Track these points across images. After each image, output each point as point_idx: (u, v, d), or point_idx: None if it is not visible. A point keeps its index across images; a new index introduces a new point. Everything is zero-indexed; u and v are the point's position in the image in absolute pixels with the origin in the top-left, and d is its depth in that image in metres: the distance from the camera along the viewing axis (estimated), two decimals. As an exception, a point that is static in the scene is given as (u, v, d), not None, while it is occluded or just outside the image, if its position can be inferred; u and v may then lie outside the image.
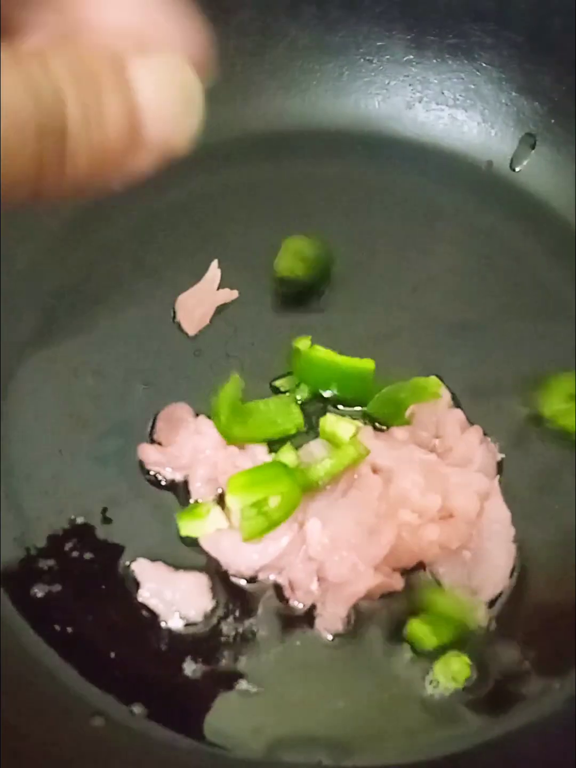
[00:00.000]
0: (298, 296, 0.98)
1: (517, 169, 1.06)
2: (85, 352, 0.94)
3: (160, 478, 0.87)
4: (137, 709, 0.77)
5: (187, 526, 0.83)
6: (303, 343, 0.89)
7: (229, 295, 0.98)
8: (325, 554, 0.78)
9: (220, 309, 0.97)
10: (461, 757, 0.76)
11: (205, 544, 0.82)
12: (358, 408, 0.90)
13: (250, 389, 0.89)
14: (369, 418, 0.89)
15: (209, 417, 0.88)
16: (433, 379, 0.87)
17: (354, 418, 0.88)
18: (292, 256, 0.97)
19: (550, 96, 1.03)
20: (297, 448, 0.86)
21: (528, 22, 1.00)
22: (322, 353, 0.88)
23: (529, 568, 0.82)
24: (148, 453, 0.88)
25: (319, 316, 0.97)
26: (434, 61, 1.07)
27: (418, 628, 0.78)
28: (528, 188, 1.05)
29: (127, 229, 1.02)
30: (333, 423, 0.87)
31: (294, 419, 0.87)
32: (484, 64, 1.05)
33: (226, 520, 0.83)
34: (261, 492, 0.80)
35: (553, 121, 1.04)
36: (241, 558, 0.81)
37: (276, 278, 0.97)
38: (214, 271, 0.99)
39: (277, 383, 0.92)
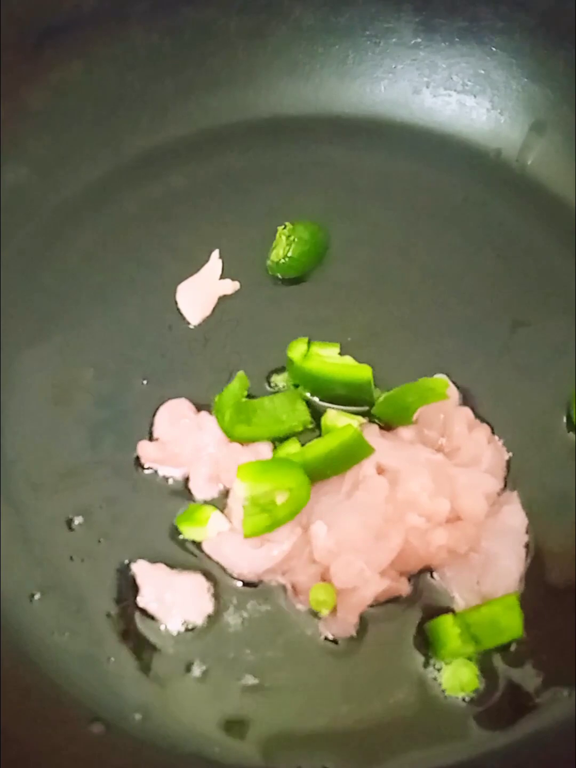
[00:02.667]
0: (296, 283, 0.95)
1: (526, 158, 1.03)
2: (83, 345, 0.92)
3: (159, 475, 0.85)
4: (137, 715, 0.75)
5: (188, 531, 0.81)
6: (297, 351, 0.87)
7: (231, 286, 0.95)
8: (330, 558, 0.77)
9: (221, 300, 0.95)
10: (468, 764, 0.75)
11: (207, 547, 0.80)
12: (363, 408, 0.87)
13: (251, 382, 0.87)
14: (375, 418, 0.87)
15: (211, 413, 0.86)
16: (441, 379, 0.85)
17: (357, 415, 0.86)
18: (286, 243, 0.95)
19: (562, 83, 1.01)
20: (302, 445, 0.83)
21: (542, 5, 0.98)
22: (316, 363, 0.85)
23: (539, 573, 0.80)
24: (147, 450, 0.85)
25: (319, 306, 0.94)
26: (443, 44, 1.04)
27: (448, 629, 0.76)
28: (538, 177, 1.03)
29: (125, 218, 1.00)
30: (334, 419, 0.85)
31: (300, 416, 0.84)
32: (494, 49, 1.03)
33: (227, 523, 0.81)
34: (270, 483, 0.77)
35: (564, 108, 1.01)
36: (245, 561, 0.79)
37: (271, 265, 0.95)
38: (215, 262, 0.96)
39: (274, 379, 0.89)
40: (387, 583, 0.77)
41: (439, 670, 0.77)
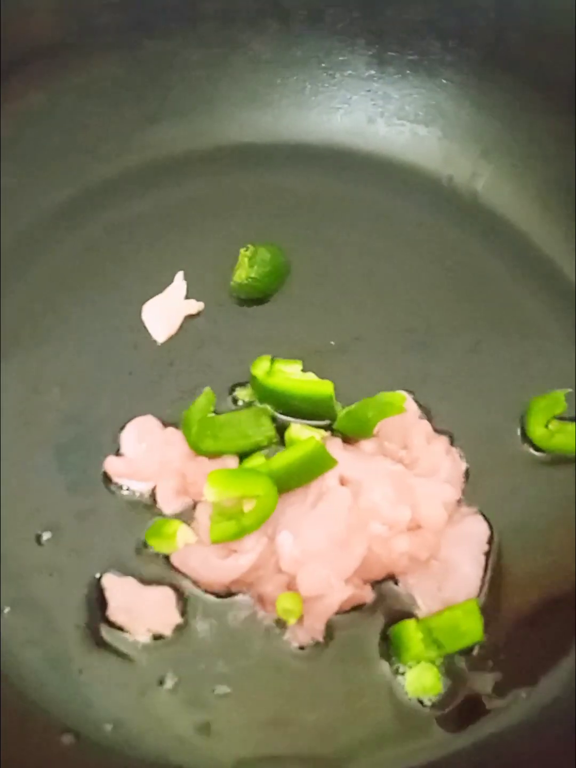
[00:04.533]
0: (259, 303, 0.98)
1: (477, 184, 1.07)
2: (49, 365, 0.93)
3: (127, 490, 0.86)
4: (108, 725, 0.76)
5: (157, 544, 0.83)
6: (260, 368, 0.89)
7: (196, 306, 0.98)
8: (297, 567, 0.79)
9: (186, 319, 0.97)
10: (433, 766, 0.76)
11: (175, 560, 0.82)
12: (326, 421, 0.90)
13: (216, 399, 0.88)
14: (337, 432, 0.89)
15: (177, 428, 0.88)
16: (399, 393, 0.87)
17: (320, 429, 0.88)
18: (249, 265, 0.97)
19: (506, 113, 1.05)
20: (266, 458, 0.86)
21: (486, 39, 1.02)
22: (279, 380, 0.88)
23: (498, 579, 0.83)
24: (114, 465, 0.87)
25: (281, 325, 0.97)
26: (396, 76, 1.08)
27: (411, 633, 0.78)
28: (488, 203, 1.07)
29: (90, 241, 1.02)
30: (298, 432, 0.88)
31: (265, 432, 0.87)
32: (444, 81, 1.07)
33: (194, 535, 0.82)
34: (239, 490, 0.79)
35: (509, 136, 1.06)
36: (212, 573, 0.80)
37: (234, 286, 0.98)
38: (179, 283, 0.99)
39: (238, 394, 0.92)
40: (352, 590, 0.79)
41: (403, 674, 0.79)
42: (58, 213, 1.02)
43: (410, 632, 0.79)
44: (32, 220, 1.01)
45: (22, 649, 0.79)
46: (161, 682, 0.78)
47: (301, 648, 0.80)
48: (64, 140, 1.04)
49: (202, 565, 0.80)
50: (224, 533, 0.79)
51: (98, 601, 0.81)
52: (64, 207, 1.03)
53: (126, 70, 1.05)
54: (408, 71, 1.08)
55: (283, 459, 0.82)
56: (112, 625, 0.80)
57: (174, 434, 0.87)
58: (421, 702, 0.78)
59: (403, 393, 0.88)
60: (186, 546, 0.81)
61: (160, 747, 0.76)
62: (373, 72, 1.09)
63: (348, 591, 0.78)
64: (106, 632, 0.80)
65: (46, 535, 0.84)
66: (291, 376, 0.89)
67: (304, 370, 0.91)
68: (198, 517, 0.84)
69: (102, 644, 0.79)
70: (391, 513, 0.80)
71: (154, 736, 0.76)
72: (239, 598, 0.82)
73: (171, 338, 0.96)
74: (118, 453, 0.88)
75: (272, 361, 0.90)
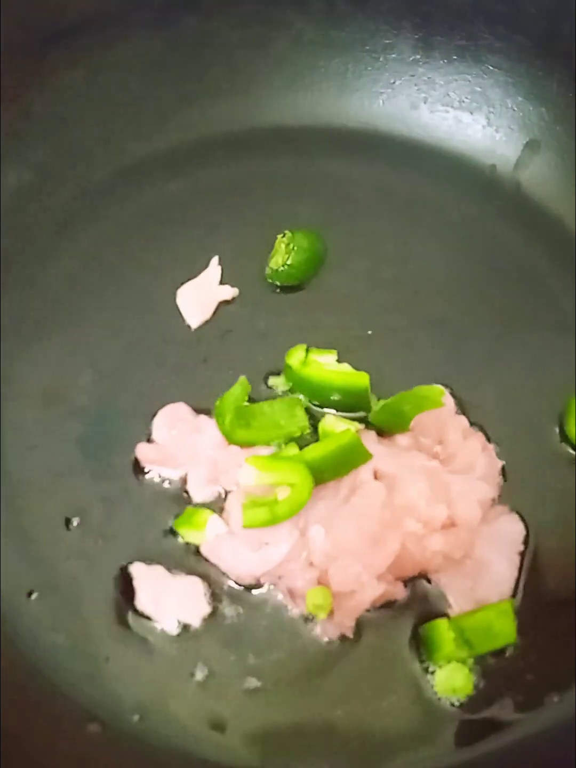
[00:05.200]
0: (294, 290, 0.97)
1: (520, 175, 1.05)
2: (81, 347, 0.92)
3: (157, 478, 0.85)
4: (135, 716, 0.75)
5: (186, 534, 0.82)
6: (295, 357, 0.88)
7: (230, 291, 0.96)
8: (328, 562, 0.77)
9: (220, 305, 0.96)
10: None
11: (205, 550, 0.81)
12: (360, 414, 0.88)
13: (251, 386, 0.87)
14: (372, 425, 0.88)
15: (209, 415, 0.87)
16: (437, 387, 0.86)
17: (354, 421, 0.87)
18: (285, 251, 0.96)
19: (556, 103, 1.03)
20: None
21: (539, 27, 1.00)
22: (314, 370, 0.86)
23: (533, 581, 0.81)
24: (145, 452, 0.86)
25: (316, 313, 0.96)
26: (441, 61, 1.06)
27: (442, 632, 0.77)
28: (530, 194, 1.04)
29: (125, 222, 1.00)
30: (332, 424, 0.86)
31: (298, 422, 0.85)
32: (491, 67, 1.05)
33: (225, 525, 0.81)
34: (275, 475, 0.78)
35: (558, 128, 1.03)
36: (242, 565, 0.79)
37: (270, 272, 0.96)
38: (214, 268, 0.97)
39: (271, 382, 0.90)
40: (384, 587, 0.78)
41: (432, 673, 0.78)
42: (93, 192, 1.01)
43: (442, 631, 0.77)
44: (68, 200, 1.00)
45: (48, 635, 0.78)
46: (191, 675, 0.77)
47: (330, 642, 0.79)
48: (100, 119, 1.03)
49: (232, 556, 0.79)
50: (256, 519, 0.78)
51: (126, 589, 0.80)
52: (99, 186, 1.01)
53: (165, 47, 1.04)
54: (454, 56, 1.05)
55: (317, 450, 0.81)
56: (139, 614, 0.79)
57: (206, 422, 0.86)
58: (450, 703, 0.77)
59: (441, 387, 0.86)
60: (217, 536, 0.80)
61: (187, 739, 0.75)
62: (418, 56, 1.06)
63: (380, 588, 0.77)
64: (133, 621, 0.79)
65: (75, 521, 0.83)
66: (326, 366, 0.87)
67: (338, 361, 0.89)
68: (228, 507, 0.82)
69: (129, 633, 0.79)
70: (427, 511, 0.79)
71: (180, 729, 0.75)
72: (268, 589, 0.80)
73: (204, 323, 0.95)
74: (149, 439, 0.87)
75: (307, 350, 0.89)
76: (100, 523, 0.83)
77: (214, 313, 0.95)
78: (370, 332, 0.94)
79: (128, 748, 0.74)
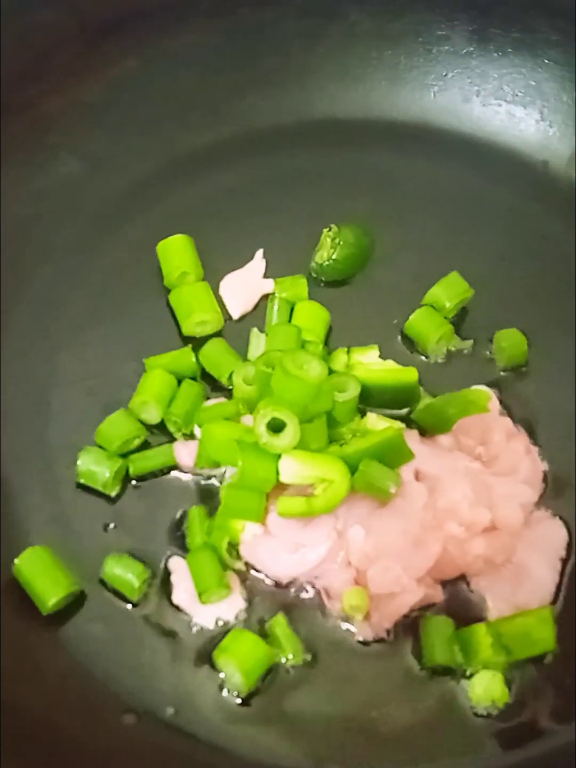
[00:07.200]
0: (338, 285, 0.96)
1: (573, 171, 1.03)
2: (126, 338, 0.93)
3: (195, 474, 0.86)
4: (170, 708, 0.76)
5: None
6: (338, 362, 0.87)
7: (274, 285, 0.96)
8: (367, 563, 0.77)
9: (263, 299, 0.95)
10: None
11: (243, 550, 0.81)
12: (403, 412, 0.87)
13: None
14: (413, 423, 0.87)
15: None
16: (484, 391, 0.84)
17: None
18: (331, 246, 0.95)
19: (614, 98, 1.01)
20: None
21: (599, 20, 0.97)
22: (360, 373, 0.84)
23: (575, 588, 0.80)
24: (181, 453, 0.85)
25: (360, 309, 0.95)
26: (496, 54, 1.04)
27: (480, 637, 0.76)
28: (585, 191, 1.02)
29: (172, 212, 1.00)
30: (374, 423, 0.85)
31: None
32: (547, 61, 1.03)
33: (262, 525, 0.81)
34: (315, 468, 0.77)
35: (615, 124, 1.01)
36: (279, 565, 0.79)
37: (315, 267, 0.95)
38: (259, 260, 0.97)
39: None
40: (424, 591, 0.77)
41: (468, 678, 0.77)
42: (143, 183, 1.01)
43: (480, 636, 0.76)
44: (117, 191, 1.00)
45: (88, 626, 0.79)
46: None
47: (365, 644, 0.79)
48: (153, 109, 1.03)
49: (270, 557, 0.79)
50: (292, 508, 0.77)
51: (163, 583, 0.81)
52: (149, 176, 1.02)
53: (219, 37, 1.04)
54: (510, 49, 1.04)
55: (358, 445, 0.80)
56: (177, 607, 0.79)
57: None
58: (485, 710, 0.76)
59: (487, 390, 0.85)
60: (254, 537, 0.80)
61: (222, 735, 0.75)
62: (472, 48, 1.05)
63: (420, 593, 0.77)
64: (171, 615, 0.79)
65: (115, 513, 0.84)
66: (371, 366, 0.87)
67: (382, 357, 0.89)
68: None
69: (166, 627, 0.79)
70: (470, 514, 0.78)
71: (215, 724, 0.75)
72: (304, 588, 0.80)
73: (246, 315, 0.95)
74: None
75: (348, 352, 0.88)
76: (141, 516, 0.84)
77: (256, 306, 0.95)
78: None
79: (163, 742, 0.74)
